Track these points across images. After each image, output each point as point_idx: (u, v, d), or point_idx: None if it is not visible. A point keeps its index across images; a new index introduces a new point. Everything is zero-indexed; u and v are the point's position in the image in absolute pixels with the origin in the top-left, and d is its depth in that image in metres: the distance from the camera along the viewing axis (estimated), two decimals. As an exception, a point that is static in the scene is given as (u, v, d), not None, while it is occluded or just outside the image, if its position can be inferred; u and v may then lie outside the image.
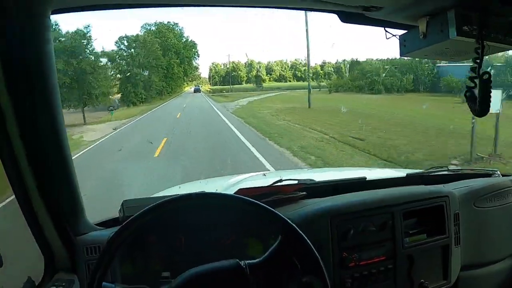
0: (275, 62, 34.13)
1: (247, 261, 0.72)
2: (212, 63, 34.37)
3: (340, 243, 0.99)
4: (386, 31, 0.92)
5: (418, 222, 1.13)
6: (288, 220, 0.74)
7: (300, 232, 0.73)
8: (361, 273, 1.01)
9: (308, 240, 0.73)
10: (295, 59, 33.50)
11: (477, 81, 0.79)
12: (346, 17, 0.91)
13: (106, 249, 0.70)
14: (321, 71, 30.81)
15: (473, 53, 0.79)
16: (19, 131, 0.79)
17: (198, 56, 26.04)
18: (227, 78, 32.91)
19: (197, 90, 30.08)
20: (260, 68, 33.42)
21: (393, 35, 0.92)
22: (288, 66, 33.73)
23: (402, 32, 0.92)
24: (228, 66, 33.59)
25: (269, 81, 33.61)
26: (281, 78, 32.97)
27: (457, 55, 0.89)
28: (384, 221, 1.04)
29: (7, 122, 0.78)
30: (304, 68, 31.92)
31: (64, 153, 0.88)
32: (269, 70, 33.90)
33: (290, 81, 33.21)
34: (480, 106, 0.79)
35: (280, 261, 0.74)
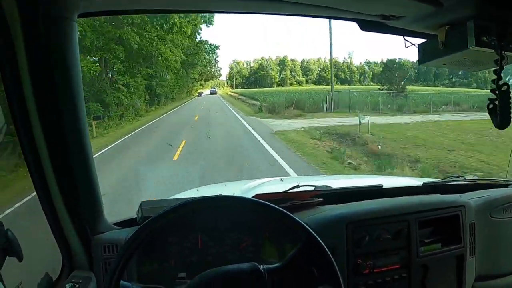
0: (311, 60, 27.80)
1: (266, 266, 0.76)
2: (233, 61, 28.28)
3: (355, 250, 1.03)
4: (405, 39, 0.96)
5: (433, 231, 1.16)
6: (309, 229, 0.78)
7: (320, 241, 0.77)
8: (375, 280, 1.04)
9: (327, 250, 0.77)
10: (336, 58, 27.58)
11: (497, 92, 0.82)
12: (366, 25, 0.96)
13: (125, 248, 0.74)
14: (369, 72, 26.31)
15: (491, 63, 0.83)
16: (42, 132, 0.85)
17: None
18: (252, 80, 25.89)
19: (213, 92, 23.02)
20: (294, 67, 26.91)
21: (412, 44, 0.96)
22: (328, 66, 27.31)
23: (421, 40, 0.96)
24: (252, 65, 26.42)
25: (306, 84, 26.52)
26: (320, 80, 26.73)
27: (475, 65, 0.92)
28: (399, 229, 1.07)
29: (32, 122, 0.84)
30: (348, 68, 26.45)
31: (85, 154, 0.94)
32: (305, 69, 27.73)
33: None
34: (500, 118, 0.82)
35: (298, 268, 0.78)
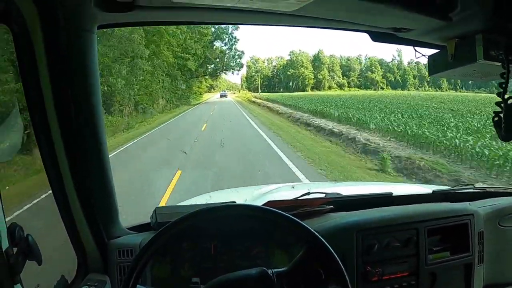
0: (352, 58, 21.84)
1: (274, 270, 0.80)
2: (251, 58, 24.36)
3: (364, 257, 1.07)
4: (415, 50, 1.01)
5: (442, 239, 1.20)
6: (313, 230, 0.82)
7: (324, 241, 0.82)
8: (384, 287, 1.09)
9: (332, 250, 0.81)
10: (375, 56, 22.28)
11: (503, 105, 0.85)
12: (377, 37, 1.01)
13: (143, 252, 0.78)
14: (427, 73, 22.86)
15: (499, 75, 0.87)
16: (61, 137, 0.91)
17: None
18: (275, 81, 20.62)
19: (223, 95, 20.55)
20: (333, 65, 21.43)
21: (423, 55, 1.01)
22: (378, 66, 21.69)
23: (431, 52, 1.00)
24: (275, 64, 21.62)
25: (348, 87, 21.70)
26: (368, 83, 21.23)
27: (484, 77, 0.97)
28: (408, 237, 1.12)
29: (51, 129, 0.90)
30: (398, 68, 20.77)
31: (103, 159, 0.99)
32: (345, 69, 22.42)
33: (382, 88, 21.05)
34: (506, 131, 0.85)
35: (305, 270, 0.82)
